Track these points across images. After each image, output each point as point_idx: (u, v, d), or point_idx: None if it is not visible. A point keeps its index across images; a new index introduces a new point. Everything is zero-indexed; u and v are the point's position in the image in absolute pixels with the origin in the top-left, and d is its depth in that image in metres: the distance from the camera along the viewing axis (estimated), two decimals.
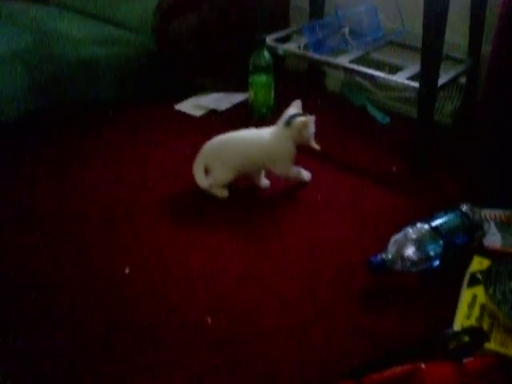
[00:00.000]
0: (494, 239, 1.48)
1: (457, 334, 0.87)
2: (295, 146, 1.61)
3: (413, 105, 2.05)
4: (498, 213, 1.56)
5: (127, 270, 1.39)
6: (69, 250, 1.46)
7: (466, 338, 0.92)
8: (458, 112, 2.01)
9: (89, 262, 1.43)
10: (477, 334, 0.90)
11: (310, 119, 1.58)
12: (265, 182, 1.69)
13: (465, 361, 0.89)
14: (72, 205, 1.63)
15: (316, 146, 1.65)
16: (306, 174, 1.69)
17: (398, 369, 0.86)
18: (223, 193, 1.63)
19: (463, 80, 1.96)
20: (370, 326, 1.25)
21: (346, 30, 1.94)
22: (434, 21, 1.59)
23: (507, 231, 1.51)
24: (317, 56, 1.94)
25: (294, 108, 1.64)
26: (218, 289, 1.35)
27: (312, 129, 1.60)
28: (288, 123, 1.59)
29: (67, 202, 1.64)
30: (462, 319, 1.21)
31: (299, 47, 2.00)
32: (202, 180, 1.62)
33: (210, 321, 1.25)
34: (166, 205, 1.64)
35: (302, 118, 1.58)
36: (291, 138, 1.60)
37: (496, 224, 1.53)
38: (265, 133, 1.64)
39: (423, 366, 0.86)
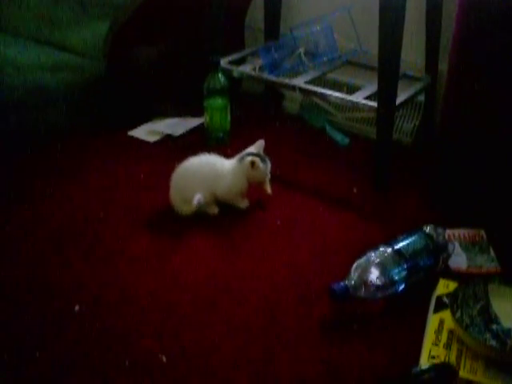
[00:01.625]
0: (459, 260, 1.44)
1: (424, 371, 0.81)
2: (246, 181, 1.63)
3: (372, 125, 2.03)
4: (462, 232, 1.52)
5: (77, 308, 1.30)
6: (21, 281, 1.38)
7: (433, 375, 0.85)
8: (418, 130, 1.99)
9: (37, 297, 1.35)
10: (445, 371, 0.84)
11: (257, 161, 1.60)
12: (215, 209, 1.65)
13: None
14: (21, 235, 1.56)
15: (268, 190, 1.68)
16: (244, 203, 1.67)
17: None
18: (214, 209, 1.64)
19: (422, 98, 1.94)
20: (334, 357, 1.18)
21: (302, 50, 1.90)
22: (390, 40, 1.57)
23: (472, 251, 1.47)
24: (272, 78, 1.89)
25: (256, 147, 1.66)
26: (173, 322, 1.27)
27: (264, 171, 1.63)
28: (241, 159, 1.63)
29: (18, 231, 1.57)
30: (429, 346, 1.16)
31: (254, 69, 1.95)
32: (184, 209, 1.61)
33: (164, 359, 1.17)
34: (120, 236, 1.56)
35: (249, 158, 1.60)
36: (243, 174, 1.62)
37: (460, 244, 1.49)
38: (226, 164, 1.67)
39: None
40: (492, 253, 1.46)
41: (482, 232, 1.53)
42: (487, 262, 1.43)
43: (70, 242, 1.53)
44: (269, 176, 1.66)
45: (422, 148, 1.96)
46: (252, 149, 1.65)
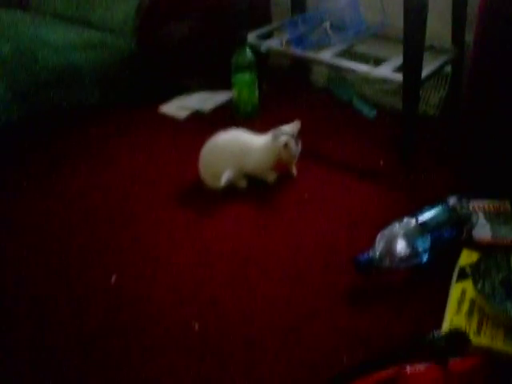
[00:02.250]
0: (483, 231, 1.46)
1: (439, 338, 0.85)
2: (276, 159, 1.65)
3: (399, 97, 2.03)
4: (487, 203, 1.54)
5: (113, 279, 1.38)
6: (55, 259, 1.45)
7: (448, 343, 0.89)
8: (445, 102, 1.99)
9: (75, 271, 1.41)
10: (458, 338, 0.88)
11: (291, 143, 1.62)
12: (244, 182, 1.69)
13: (450, 362, 0.87)
14: (59, 210, 1.62)
15: (293, 171, 1.72)
16: (272, 176, 1.70)
17: (383, 373, 0.85)
18: (243, 183, 1.69)
19: (449, 70, 1.94)
20: (359, 327, 1.23)
21: (328, 24, 1.92)
22: (415, 11, 1.57)
23: (496, 222, 1.49)
24: (299, 52, 1.92)
25: (291, 126, 1.68)
26: (205, 294, 1.33)
27: (295, 153, 1.66)
28: (275, 137, 1.64)
29: (55, 207, 1.64)
30: (451, 315, 1.20)
31: (281, 43, 1.98)
32: (213, 183, 1.66)
33: (197, 327, 1.24)
34: (153, 210, 1.62)
35: (284, 139, 1.62)
36: (273, 152, 1.64)
37: (485, 215, 1.51)
38: (256, 139, 1.70)
39: (408, 369, 0.85)
40: None
41: (507, 203, 1.54)
42: (511, 233, 1.46)
43: (107, 217, 1.60)
44: (297, 158, 1.69)
45: (449, 120, 1.97)
46: (288, 128, 1.67)
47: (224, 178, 1.61)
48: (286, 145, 1.62)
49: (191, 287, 1.35)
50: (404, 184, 1.69)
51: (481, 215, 1.50)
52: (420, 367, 0.85)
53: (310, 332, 1.22)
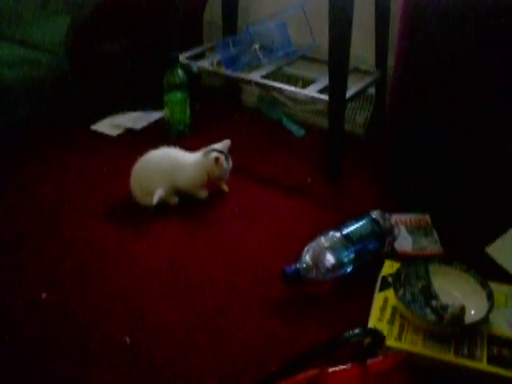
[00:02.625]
0: (405, 243, 1.54)
1: (352, 335, 0.89)
2: (207, 175, 1.69)
3: (326, 116, 2.11)
4: (408, 217, 1.62)
5: (44, 296, 1.36)
6: None
7: (361, 339, 0.94)
8: (370, 122, 2.08)
9: (4, 286, 1.40)
10: (374, 335, 0.92)
11: (222, 159, 1.66)
12: (175, 199, 1.71)
13: (369, 362, 0.91)
14: None
15: (225, 188, 1.76)
16: (204, 193, 1.73)
17: (306, 374, 0.88)
18: (174, 199, 1.70)
19: (373, 91, 2.03)
20: (286, 336, 1.26)
21: (257, 45, 1.98)
22: (339, 35, 1.65)
23: (417, 234, 1.57)
24: (230, 73, 1.97)
25: (222, 145, 1.72)
26: (135, 308, 1.33)
27: (226, 169, 1.69)
28: (206, 154, 1.68)
29: None
30: (374, 322, 1.25)
31: (212, 64, 2.02)
32: (144, 200, 1.67)
33: (128, 341, 1.24)
34: (85, 227, 1.61)
35: (214, 154, 1.66)
36: (204, 168, 1.68)
37: (407, 228, 1.58)
38: (187, 156, 1.73)
39: (329, 369, 0.89)
40: (436, 236, 1.56)
41: (427, 217, 1.63)
42: (431, 245, 1.53)
43: (34, 233, 1.58)
44: (227, 175, 1.72)
45: (374, 139, 2.06)
46: (218, 146, 1.71)
47: (156, 197, 1.63)
48: (216, 160, 1.65)
49: (122, 302, 1.35)
50: (331, 200, 1.75)
51: (403, 228, 1.58)
52: (340, 367, 0.89)
53: (241, 342, 1.25)
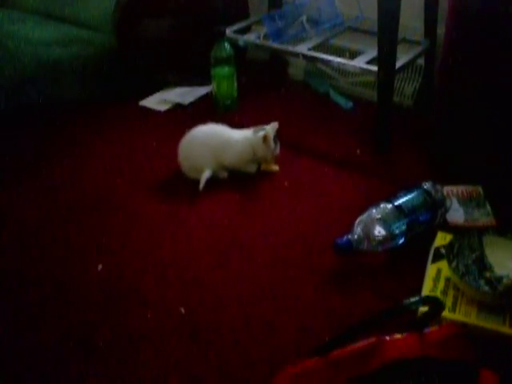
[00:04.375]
0: (456, 215, 1.52)
1: (412, 303, 0.90)
2: (254, 154, 1.69)
3: (374, 89, 2.09)
4: (460, 188, 1.60)
5: (100, 267, 1.40)
6: (41, 249, 1.48)
7: (425, 308, 0.95)
8: (418, 93, 2.05)
9: (61, 261, 1.44)
10: (433, 304, 0.93)
11: (270, 137, 1.66)
12: (225, 173, 1.73)
13: (426, 330, 0.92)
14: (41, 203, 1.64)
15: (274, 168, 1.75)
16: (253, 167, 1.74)
17: (363, 342, 0.89)
18: (223, 174, 1.72)
19: (421, 61, 2.00)
20: (340, 307, 1.28)
21: (304, 18, 1.97)
22: (388, 4, 1.62)
23: (469, 206, 1.55)
24: (276, 45, 1.96)
25: (269, 127, 1.70)
26: (190, 278, 1.37)
27: (272, 150, 1.69)
28: (255, 132, 1.69)
29: (38, 200, 1.66)
30: (427, 293, 1.25)
31: (259, 37, 2.02)
32: (192, 175, 1.69)
33: (183, 311, 1.27)
34: (136, 201, 1.65)
35: (263, 132, 1.66)
36: (252, 146, 1.68)
37: (458, 200, 1.57)
38: (235, 133, 1.73)
39: (387, 337, 0.90)
40: (488, 207, 1.54)
41: (479, 188, 1.60)
42: (483, 216, 1.51)
43: (90, 208, 1.62)
44: (275, 157, 1.72)
45: (423, 110, 2.03)
46: (268, 128, 1.69)
47: (202, 182, 1.65)
48: (265, 138, 1.66)
49: (176, 272, 1.38)
50: (380, 171, 1.74)
51: (454, 200, 1.56)
52: (398, 335, 0.90)
53: (294, 313, 1.26)
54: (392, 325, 0.95)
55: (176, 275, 1.38)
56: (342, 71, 2.14)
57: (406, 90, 2.06)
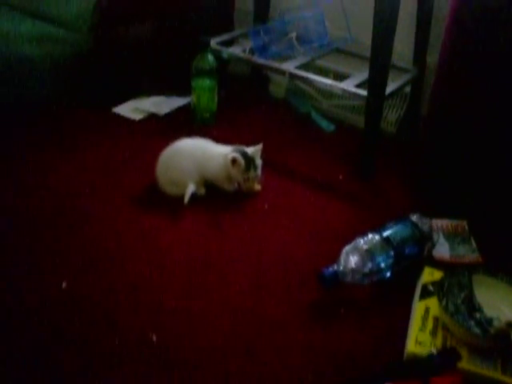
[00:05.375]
0: (442, 249, 1.47)
1: (429, 358, 0.83)
2: (228, 173, 1.60)
3: (357, 113, 2.05)
4: (445, 222, 1.56)
5: (64, 285, 1.29)
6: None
7: (438, 360, 0.88)
8: (402, 121, 2.01)
9: (21, 276, 1.32)
10: (450, 354, 0.86)
11: (239, 161, 1.57)
12: (203, 189, 1.64)
13: (432, 380, 0.85)
14: (6, 210, 1.53)
15: (256, 187, 1.66)
16: (232, 186, 1.65)
17: None
18: (202, 190, 1.63)
19: (407, 89, 1.96)
20: (323, 342, 1.20)
21: (294, 35, 1.90)
22: (384, 29, 1.58)
23: (454, 241, 1.51)
24: (262, 61, 1.89)
25: (252, 149, 1.62)
26: (162, 302, 1.27)
27: (241, 172, 1.59)
28: (231, 151, 1.59)
29: (1, 207, 1.54)
30: (416, 332, 1.19)
31: (244, 51, 1.95)
32: (170, 190, 1.61)
33: (155, 338, 1.18)
34: (107, 215, 1.54)
35: (232, 155, 1.57)
36: (226, 164, 1.59)
37: (443, 234, 1.52)
38: (218, 147, 1.66)
39: None
40: (473, 243, 1.50)
41: (465, 223, 1.56)
42: (469, 252, 1.47)
43: (55, 220, 1.51)
44: (257, 178, 1.63)
45: (406, 138, 1.99)
46: (250, 149, 1.61)
47: (187, 195, 1.56)
48: (233, 160, 1.57)
49: (147, 295, 1.29)
50: (364, 199, 1.68)
51: (440, 234, 1.51)
52: None
53: (272, 346, 1.18)
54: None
55: (148, 298, 1.28)
56: (325, 93, 2.08)
57: (390, 117, 2.01)
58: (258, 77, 2.27)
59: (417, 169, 1.77)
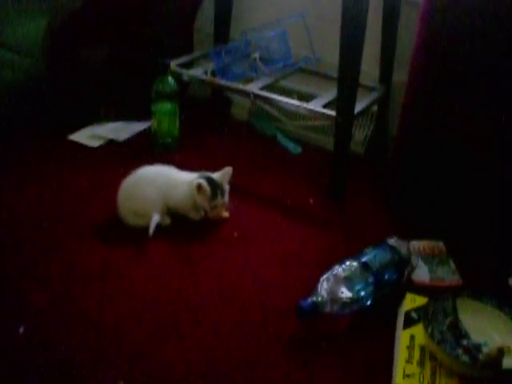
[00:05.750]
0: (421, 273, 1.42)
1: None
2: (194, 200, 1.53)
3: (323, 133, 2.00)
4: (421, 244, 1.51)
5: (21, 330, 1.18)
6: None
7: None
8: (370, 140, 1.97)
9: None
10: None
11: (205, 187, 1.49)
12: (167, 219, 1.55)
13: None
14: None
15: (224, 214, 1.59)
16: (197, 214, 1.57)
17: None
18: (166, 220, 1.54)
19: (373, 108, 1.92)
20: (305, 378, 1.13)
21: (257, 55, 1.84)
22: (351, 48, 1.53)
23: (432, 263, 1.46)
24: (225, 83, 1.82)
25: (221, 174, 1.55)
26: (130, 347, 1.16)
27: (207, 198, 1.51)
28: (197, 177, 1.52)
29: None
30: (403, 364, 1.13)
31: (206, 73, 1.87)
32: (134, 221, 1.52)
33: None
34: (65, 249, 1.43)
35: (198, 181, 1.50)
36: (191, 192, 1.52)
37: (421, 256, 1.47)
38: (182, 174, 1.58)
39: None
40: (452, 265, 1.45)
41: (441, 244, 1.52)
42: (449, 275, 1.42)
43: (12, 255, 1.39)
44: (225, 204, 1.56)
45: (374, 158, 1.95)
46: (217, 175, 1.55)
47: (152, 226, 1.47)
48: (199, 186, 1.49)
49: (115, 338, 1.18)
50: (337, 224, 1.62)
51: (418, 257, 1.45)
52: None
53: None
54: None
55: (115, 342, 1.17)
56: (289, 114, 2.02)
57: (357, 136, 1.97)
58: (220, 99, 2.20)
59: (388, 189, 1.73)
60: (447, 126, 1.47)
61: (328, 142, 1.98)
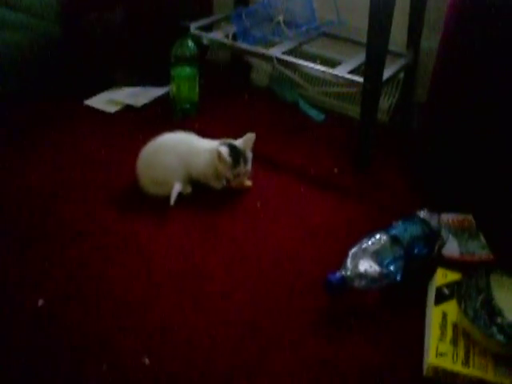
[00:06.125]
0: (450, 247, 1.37)
1: None
2: (216, 169, 1.48)
3: (347, 101, 1.94)
4: (450, 217, 1.46)
5: (41, 302, 1.15)
6: None
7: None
8: (395, 108, 1.90)
9: None
10: None
11: (224, 155, 1.44)
12: (189, 188, 1.51)
13: None
14: None
15: (246, 183, 1.54)
16: (220, 183, 1.52)
17: None
18: (188, 189, 1.50)
19: (400, 75, 1.85)
20: (333, 356, 1.09)
21: (281, 18, 1.77)
22: (381, 15, 1.46)
23: (462, 237, 1.41)
24: (248, 47, 1.75)
25: (243, 141, 1.50)
26: (153, 321, 1.13)
27: (228, 166, 1.46)
28: (218, 145, 1.47)
29: None
30: (436, 342, 1.09)
31: (227, 36, 1.80)
32: (154, 190, 1.47)
33: (147, 361, 1.04)
34: (84, 218, 1.39)
35: (218, 148, 1.44)
36: (213, 160, 1.47)
37: (450, 230, 1.42)
38: (204, 142, 1.53)
39: None
40: (482, 239, 1.40)
41: (471, 217, 1.46)
42: (479, 249, 1.38)
43: (25, 226, 1.36)
44: (248, 173, 1.51)
45: (399, 126, 1.89)
46: (240, 141, 1.49)
47: (173, 195, 1.43)
48: (219, 155, 1.45)
49: (136, 313, 1.15)
50: (362, 194, 1.57)
51: (448, 231, 1.41)
52: None
53: (277, 364, 1.06)
54: None
55: (137, 316, 1.14)
56: (312, 80, 1.95)
57: (382, 105, 1.90)
58: (239, 64, 2.13)
59: (415, 159, 1.67)
60: (480, 94, 1.40)
61: (351, 109, 1.92)
